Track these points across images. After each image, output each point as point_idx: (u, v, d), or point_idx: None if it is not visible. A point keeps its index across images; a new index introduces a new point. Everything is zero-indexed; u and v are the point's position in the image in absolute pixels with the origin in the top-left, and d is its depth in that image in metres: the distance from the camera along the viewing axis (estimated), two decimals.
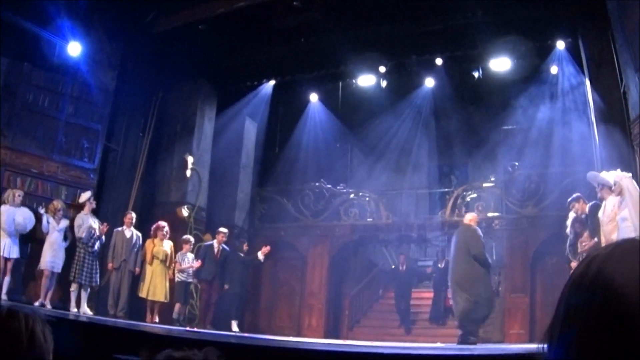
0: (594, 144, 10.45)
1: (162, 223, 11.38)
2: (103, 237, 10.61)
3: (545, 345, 0.92)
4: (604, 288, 0.83)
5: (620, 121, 9.65)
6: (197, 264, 11.51)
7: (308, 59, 13.66)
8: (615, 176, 7.62)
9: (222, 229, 12.08)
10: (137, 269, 10.93)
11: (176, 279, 11.34)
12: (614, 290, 0.81)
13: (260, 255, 12.12)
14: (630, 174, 7.70)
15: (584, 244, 8.26)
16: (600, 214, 7.86)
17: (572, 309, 0.87)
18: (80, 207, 10.85)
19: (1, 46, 10.18)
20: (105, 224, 10.68)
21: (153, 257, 11.04)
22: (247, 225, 14.82)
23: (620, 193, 7.45)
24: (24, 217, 9.84)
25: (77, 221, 10.39)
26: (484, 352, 7.64)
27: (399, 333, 12.92)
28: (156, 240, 11.18)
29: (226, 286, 11.72)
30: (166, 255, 11.12)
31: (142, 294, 10.90)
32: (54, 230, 10.05)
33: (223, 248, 11.89)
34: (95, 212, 10.83)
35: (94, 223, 10.50)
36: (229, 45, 13.06)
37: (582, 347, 0.83)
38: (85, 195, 10.84)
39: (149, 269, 11.00)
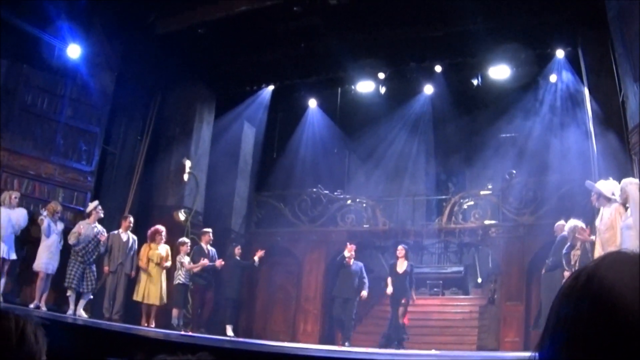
0: (591, 152, 10.45)
1: (161, 227, 11.32)
2: (102, 245, 10.57)
3: (537, 354, 0.92)
4: (591, 298, 0.84)
5: (618, 130, 9.67)
6: (205, 262, 11.45)
7: (307, 65, 13.67)
8: (622, 182, 7.35)
9: (206, 229, 12.00)
10: (133, 273, 10.87)
11: (176, 281, 11.29)
12: (601, 299, 0.83)
13: (256, 259, 12.13)
14: (638, 181, 7.36)
15: (575, 253, 8.25)
16: (597, 222, 7.77)
17: (561, 319, 0.88)
18: (76, 211, 10.83)
19: (0, 47, 10.17)
20: (108, 234, 10.68)
21: (149, 260, 10.99)
22: (243, 230, 14.81)
23: (626, 200, 7.12)
24: (18, 217, 9.81)
25: (75, 228, 10.33)
26: None
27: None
28: (152, 244, 11.13)
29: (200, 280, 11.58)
30: (161, 259, 11.07)
31: (137, 297, 10.86)
32: (53, 233, 10.01)
33: (210, 249, 11.80)
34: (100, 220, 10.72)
35: (97, 228, 10.46)
36: (229, 49, 13.06)
37: (571, 356, 0.83)
38: (92, 205, 10.73)
39: (144, 272, 10.95)
